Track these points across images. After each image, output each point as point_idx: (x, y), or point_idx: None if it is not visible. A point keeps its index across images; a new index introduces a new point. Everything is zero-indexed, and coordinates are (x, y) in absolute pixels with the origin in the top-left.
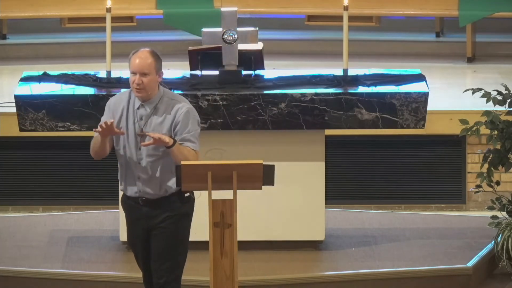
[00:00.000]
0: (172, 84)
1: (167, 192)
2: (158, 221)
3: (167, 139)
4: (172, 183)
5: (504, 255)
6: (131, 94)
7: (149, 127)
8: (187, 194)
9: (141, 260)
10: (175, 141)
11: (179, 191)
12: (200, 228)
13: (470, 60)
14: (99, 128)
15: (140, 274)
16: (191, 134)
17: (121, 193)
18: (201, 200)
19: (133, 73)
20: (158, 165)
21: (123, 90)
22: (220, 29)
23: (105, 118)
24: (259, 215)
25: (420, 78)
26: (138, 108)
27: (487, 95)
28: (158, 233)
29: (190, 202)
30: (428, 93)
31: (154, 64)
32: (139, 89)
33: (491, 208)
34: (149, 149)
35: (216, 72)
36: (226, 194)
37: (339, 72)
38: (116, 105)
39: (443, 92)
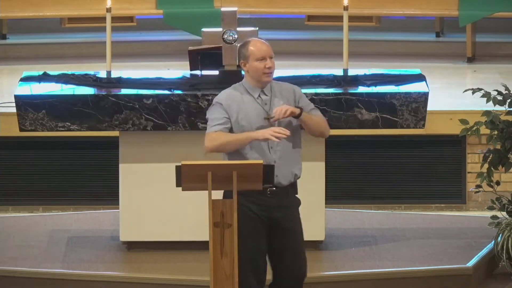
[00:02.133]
0: (172, 84)
1: (295, 177)
2: (286, 212)
3: (293, 108)
4: (299, 168)
5: (504, 255)
6: (240, 87)
7: (274, 111)
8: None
9: (260, 268)
10: (301, 109)
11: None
12: (200, 228)
13: (470, 60)
14: (277, 135)
15: (139, 274)
16: (309, 104)
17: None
18: (201, 200)
19: (262, 59)
20: (289, 147)
21: (226, 90)
22: (220, 29)
23: (219, 114)
24: None
25: (420, 78)
26: (259, 95)
27: (487, 95)
28: (286, 228)
29: None
30: (428, 93)
31: (271, 48)
32: (270, 73)
33: (491, 208)
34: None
35: (216, 72)
36: None
37: (339, 72)
38: (229, 100)
39: (443, 92)
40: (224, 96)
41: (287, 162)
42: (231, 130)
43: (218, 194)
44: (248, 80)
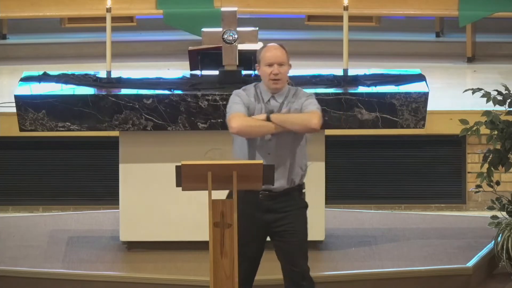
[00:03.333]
0: (172, 84)
1: (292, 183)
2: (281, 215)
3: (260, 116)
4: (298, 175)
5: (504, 255)
6: (256, 89)
7: None
8: (304, 190)
9: (249, 260)
10: (267, 114)
11: (301, 184)
12: (200, 228)
13: (470, 60)
14: None
15: (139, 274)
16: (309, 101)
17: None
18: (201, 200)
19: (270, 65)
20: (286, 153)
21: (244, 87)
22: (220, 29)
23: (240, 106)
24: None
25: (420, 78)
26: (269, 100)
27: (487, 95)
28: (284, 229)
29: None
30: (428, 93)
31: (286, 55)
32: (276, 80)
33: (491, 208)
34: (278, 139)
35: (216, 72)
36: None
37: (339, 72)
38: (246, 97)
39: (443, 92)
40: (243, 93)
41: (282, 168)
42: None
43: (218, 194)
44: (262, 84)
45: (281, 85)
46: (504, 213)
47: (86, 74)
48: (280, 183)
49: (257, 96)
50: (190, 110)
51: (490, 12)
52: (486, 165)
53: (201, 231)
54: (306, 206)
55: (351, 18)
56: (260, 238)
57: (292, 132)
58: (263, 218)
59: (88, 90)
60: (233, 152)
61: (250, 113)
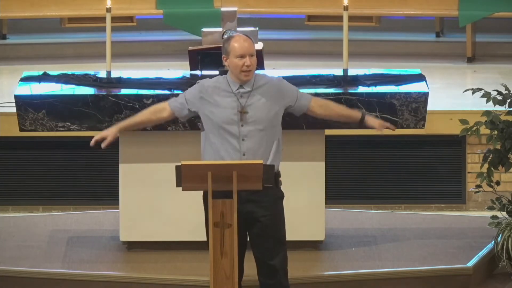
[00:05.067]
0: (172, 84)
1: None
2: (261, 205)
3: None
4: (274, 162)
5: (504, 255)
6: (223, 80)
7: (250, 106)
8: (280, 178)
9: None
10: (363, 114)
11: (277, 173)
12: (200, 228)
13: (470, 60)
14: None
15: (139, 274)
16: (300, 95)
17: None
18: (201, 200)
19: (242, 56)
20: (262, 140)
21: (214, 78)
22: (220, 29)
23: (191, 96)
24: None
25: (420, 78)
26: (237, 89)
27: (487, 95)
28: (262, 220)
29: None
30: (428, 93)
31: (254, 46)
32: (249, 71)
33: (491, 208)
34: (250, 125)
35: (216, 72)
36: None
37: (339, 72)
38: (211, 88)
39: (443, 92)
40: (211, 84)
41: (258, 156)
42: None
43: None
44: (230, 74)
45: (251, 76)
46: (504, 213)
47: (86, 74)
48: None
49: (227, 86)
50: None
51: (490, 12)
52: (486, 165)
53: (201, 231)
54: (282, 196)
55: (351, 18)
56: (242, 230)
57: (264, 118)
58: (243, 209)
59: (88, 90)
60: (204, 139)
61: (216, 108)
